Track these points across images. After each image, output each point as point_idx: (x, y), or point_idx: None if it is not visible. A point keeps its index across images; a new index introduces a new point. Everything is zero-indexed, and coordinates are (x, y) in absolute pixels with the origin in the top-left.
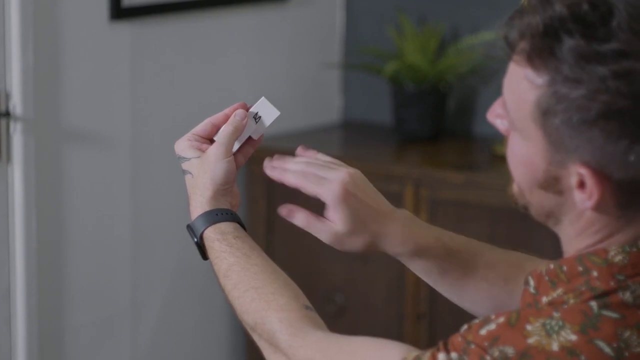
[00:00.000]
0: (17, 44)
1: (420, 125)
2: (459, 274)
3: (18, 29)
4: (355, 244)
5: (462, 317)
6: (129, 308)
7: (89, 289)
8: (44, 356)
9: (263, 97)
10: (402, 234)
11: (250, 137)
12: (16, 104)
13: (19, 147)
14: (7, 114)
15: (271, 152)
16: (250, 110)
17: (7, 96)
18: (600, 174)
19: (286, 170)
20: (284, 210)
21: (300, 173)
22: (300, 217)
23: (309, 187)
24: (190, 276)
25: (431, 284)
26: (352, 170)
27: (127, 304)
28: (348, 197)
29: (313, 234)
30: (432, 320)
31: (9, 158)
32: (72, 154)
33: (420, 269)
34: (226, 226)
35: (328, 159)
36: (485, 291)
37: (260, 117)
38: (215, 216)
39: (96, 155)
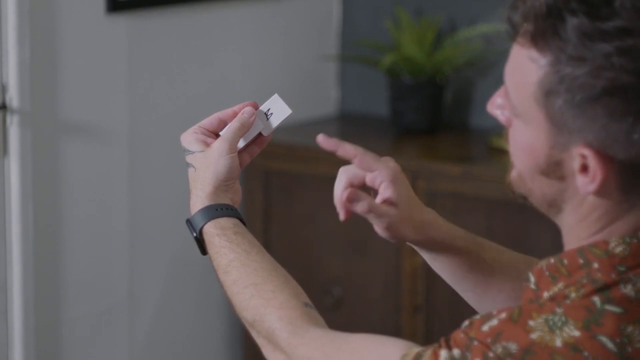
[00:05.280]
0: (14, 36)
1: (417, 117)
2: (485, 272)
3: (15, 22)
4: (407, 229)
5: (458, 309)
6: (126, 300)
7: (86, 282)
8: (40, 348)
9: (276, 94)
10: (442, 223)
11: (260, 134)
12: (13, 97)
13: (15, 140)
14: (3, 107)
15: (268, 145)
16: (261, 107)
17: (4, 89)
18: (604, 155)
19: (343, 144)
20: (348, 194)
21: (358, 148)
22: (362, 204)
23: (368, 160)
24: (187, 268)
25: (454, 282)
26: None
27: (124, 297)
28: (402, 175)
29: (373, 220)
30: (429, 312)
31: (5, 151)
32: (69, 146)
33: (449, 262)
34: (226, 221)
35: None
36: (508, 291)
37: (271, 114)
38: (215, 211)
39: (93, 148)
